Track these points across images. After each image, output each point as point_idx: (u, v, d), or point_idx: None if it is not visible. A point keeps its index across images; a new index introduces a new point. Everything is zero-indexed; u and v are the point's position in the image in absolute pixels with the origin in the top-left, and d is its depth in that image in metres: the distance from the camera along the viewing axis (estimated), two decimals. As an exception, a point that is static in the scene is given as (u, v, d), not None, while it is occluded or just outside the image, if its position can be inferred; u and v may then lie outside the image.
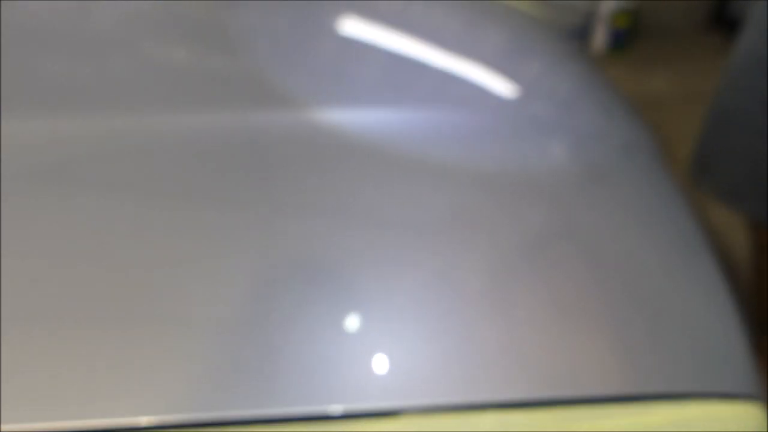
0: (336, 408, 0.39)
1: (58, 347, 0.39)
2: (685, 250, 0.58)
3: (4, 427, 0.35)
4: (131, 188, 0.49)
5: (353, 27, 0.74)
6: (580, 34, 2.71)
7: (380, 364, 0.41)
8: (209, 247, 0.45)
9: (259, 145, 0.55)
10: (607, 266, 0.51)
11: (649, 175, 0.68)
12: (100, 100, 0.57)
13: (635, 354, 0.45)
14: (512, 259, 0.49)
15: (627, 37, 2.77)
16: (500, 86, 0.71)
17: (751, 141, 0.83)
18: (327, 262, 0.46)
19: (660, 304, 0.50)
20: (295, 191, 0.51)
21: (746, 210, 0.91)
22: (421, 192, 0.53)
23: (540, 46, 0.87)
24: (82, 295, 0.41)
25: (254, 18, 0.74)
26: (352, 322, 0.42)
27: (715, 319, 0.52)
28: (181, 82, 0.61)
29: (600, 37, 2.76)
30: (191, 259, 0.44)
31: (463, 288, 0.46)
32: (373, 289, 0.45)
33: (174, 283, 0.43)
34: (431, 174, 0.55)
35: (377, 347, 0.42)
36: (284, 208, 0.50)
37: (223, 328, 0.41)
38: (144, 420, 0.37)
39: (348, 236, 0.48)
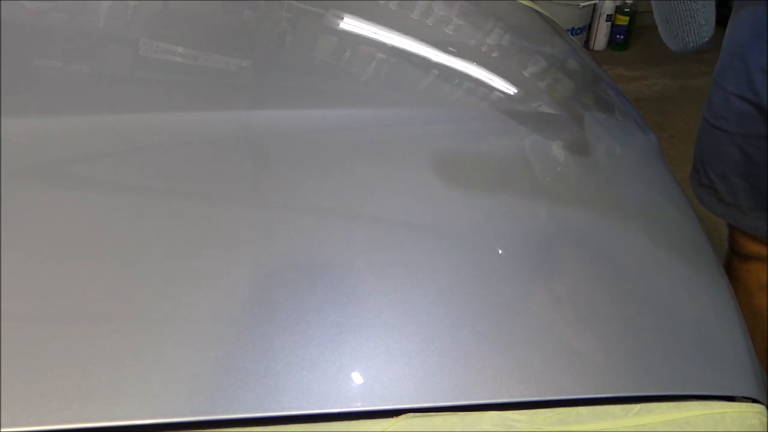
0: (336, 408, 0.39)
1: (58, 347, 0.39)
2: (686, 250, 0.58)
3: (4, 428, 0.35)
4: (130, 188, 0.49)
5: (353, 27, 0.74)
6: (581, 33, 2.71)
7: (380, 364, 0.41)
8: (208, 246, 0.45)
9: (259, 145, 0.55)
10: (608, 267, 0.51)
11: (650, 174, 0.67)
12: (99, 99, 0.57)
13: (636, 355, 0.45)
14: (513, 260, 0.49)
15: (627, 36, 2.77)
16: (502, 85, 0.70)
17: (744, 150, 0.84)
18: (327, 261, 0.46)
19: (661, 306, 0.50)
20: (294, 191, 0.51)
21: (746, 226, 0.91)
22: (420, 192, 0.53)
23: (541, 45, 0.87)
24: (81, 295, 0.41)
25: (255, 18, 0.74)
26: (352, 322, 0.42)
27: (717, 320, 0.52)
28: (180, 82, 0.61)
29: (600, 37, 2.76)
30: (190, 259, 0.44)
31: (464, 288, 0.46)
32: (374, 289, 0.44)
33: (174, 283, 0.43)
34: (431, 173, 0.55)
35: (377, 347, 0.42)
36: (284, 208, 0.50)
37: (223, 328, 0.41)
38: (143, 420, 0.37)
39: (348, 236, 0.48)
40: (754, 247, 0.93)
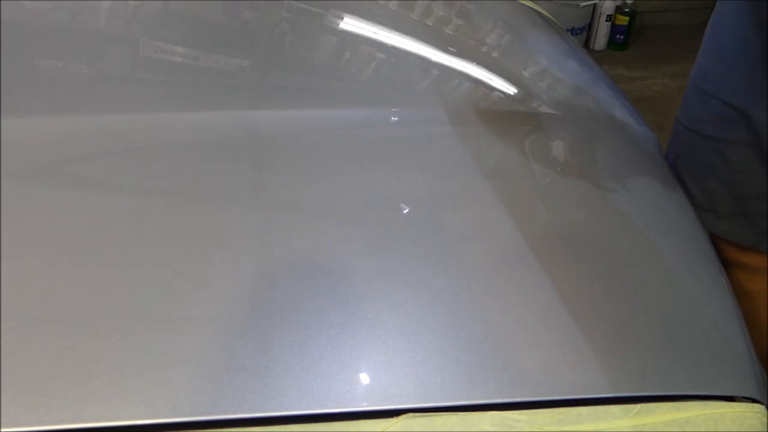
0: (336, 408, 0.39)
1: (58, 347, 0.39)
2: (686, 250, 0.58)
3: (4, 428, 0.35)
4: (130, 188, 0.49)
5: (353, 27, 0.74)
6: (581, 33, 2.71)
7: (380, 364, 0.41)
8: (209, 246, 0.45)
9: (260, 145, 0.55)
10: (608, 267, 0.51)
11: (649, 174, 0.67)
12: (99, 99, 0.57)
13: (636, 355, 0.45)
14: (514, 260, 0.49)
15: (627, 36, 2.77)
16: (502, 85, 0.70)
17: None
18: (327, 261, 0.46)
19: (661, 305, 0.50)
20: (295, 191, 0.51)
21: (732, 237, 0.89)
22: (421, 192, 0.53)
23: (541, 45, 0.87)
24: (81, 295, 0.41)
25: (255, 18, 0.74)
26: (352, 322, 0.42)
27: (717, 320, 0.52)
28: (181, 82, 0.61)
29: (600, 37, 2.76)
30: (191, 259, 0.44)
31: (465, 288, 0.46)
32: (374, 289, 0.44)
33: (174, 283, 0.43)
34: (431, 173, 0.55)
35: (377, 347, 0.42)
36: (284, 208, 0.50)
37: (222, 328, 0.41)
38: (143, 420, 0.37)
39: (348, 236, 0.48)
40: (734, 254, 0.91)
